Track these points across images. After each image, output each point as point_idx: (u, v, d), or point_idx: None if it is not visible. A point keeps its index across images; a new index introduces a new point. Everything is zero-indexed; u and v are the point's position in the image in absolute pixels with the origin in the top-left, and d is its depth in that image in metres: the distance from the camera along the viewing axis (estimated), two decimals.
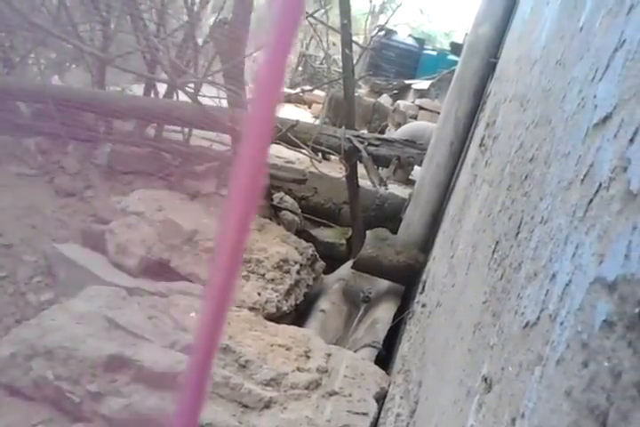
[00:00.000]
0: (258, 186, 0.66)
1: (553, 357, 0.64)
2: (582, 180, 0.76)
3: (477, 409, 0.98)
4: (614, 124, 0.68)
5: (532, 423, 0.65)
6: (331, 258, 4.59)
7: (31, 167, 5.00)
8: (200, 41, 6.57)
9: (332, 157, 5.69)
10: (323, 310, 3.83)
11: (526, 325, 0.84)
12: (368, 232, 3.95)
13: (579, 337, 0.57)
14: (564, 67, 1.15)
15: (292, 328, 3.23)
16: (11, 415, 2.49)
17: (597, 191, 0.67)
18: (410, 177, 7.23)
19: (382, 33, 15.28)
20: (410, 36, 18.30)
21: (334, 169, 6.14)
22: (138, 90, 6.77)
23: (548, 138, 1.09)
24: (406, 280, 3.82)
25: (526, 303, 0.87)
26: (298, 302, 3.76)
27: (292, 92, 11.41)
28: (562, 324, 0.65)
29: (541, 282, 0.82)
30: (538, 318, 0.78)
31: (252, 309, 3.36)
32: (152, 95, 6.09)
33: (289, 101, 11.14)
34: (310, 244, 4.29)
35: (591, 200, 0.69)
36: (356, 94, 7.60)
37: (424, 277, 3.28)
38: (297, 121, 4.95)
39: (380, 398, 2.80)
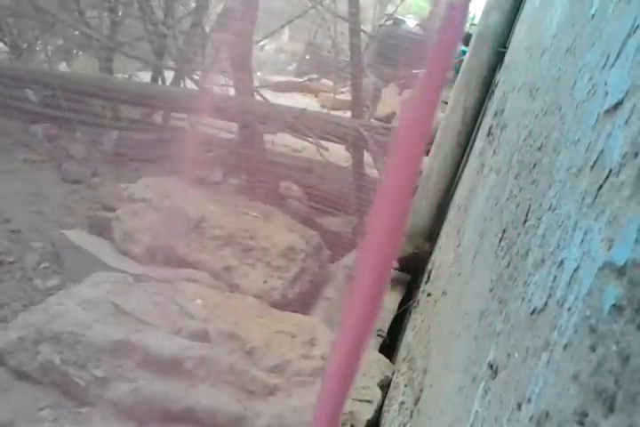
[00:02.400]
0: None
1: (560, 342, 0.64)
2: (592, 166, 0.75)
3: (483, 395, 0.98)
4: (625, 111, 0.68)
5: (538, 408, 0.65)
6: (336, 246, 4.59)
7: (38, 153, 5.01)
8: (208, 28, 6.55)
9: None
10: (328, 298, 3.84)
11: (533, 311, 0.84)
12: None
13: (587, 322, 0.57)
14: (574, 54, 1.14)
15: (298, 316, 3.24)
16: (18, 399, 2.52)
17: (607, 177, 0.67)
18: None
19: (390, 22, 15.18)
20: (418, 25, 18.16)
21: (341, 158, 6.12)
22: (145, 77, 6.76)
23: (558, 126, 1.08)
24: (412, 269, 3.81)
25: (533, 290, 0.87)
26: (303, 289, 3.77)
27: (299, 80, 11.38)
28: (570, 309, 0.65)
29: (549, 269, 0.82)
30: (545, 305, 0.78)
31: (257, 296, 3.38)
32: (159, 82, 6.09)
33: (295, 90, 11.10)
34: (316, 232, 4.29)
35: (601, 186, 0.69)
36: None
37: (429, 266, 3.27)
38: (304, 109, 4.95)
39: (385, 386, 2.81)
